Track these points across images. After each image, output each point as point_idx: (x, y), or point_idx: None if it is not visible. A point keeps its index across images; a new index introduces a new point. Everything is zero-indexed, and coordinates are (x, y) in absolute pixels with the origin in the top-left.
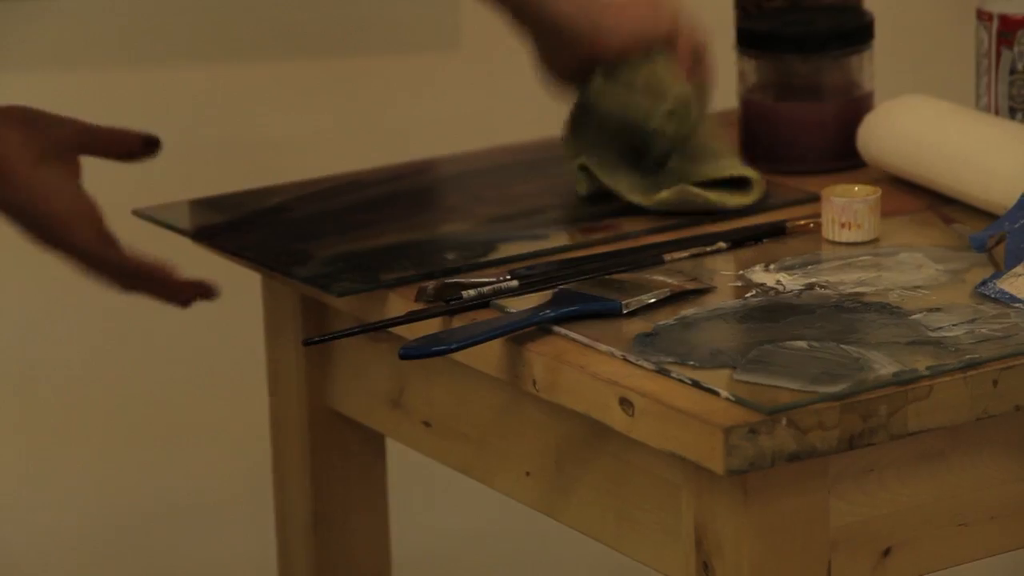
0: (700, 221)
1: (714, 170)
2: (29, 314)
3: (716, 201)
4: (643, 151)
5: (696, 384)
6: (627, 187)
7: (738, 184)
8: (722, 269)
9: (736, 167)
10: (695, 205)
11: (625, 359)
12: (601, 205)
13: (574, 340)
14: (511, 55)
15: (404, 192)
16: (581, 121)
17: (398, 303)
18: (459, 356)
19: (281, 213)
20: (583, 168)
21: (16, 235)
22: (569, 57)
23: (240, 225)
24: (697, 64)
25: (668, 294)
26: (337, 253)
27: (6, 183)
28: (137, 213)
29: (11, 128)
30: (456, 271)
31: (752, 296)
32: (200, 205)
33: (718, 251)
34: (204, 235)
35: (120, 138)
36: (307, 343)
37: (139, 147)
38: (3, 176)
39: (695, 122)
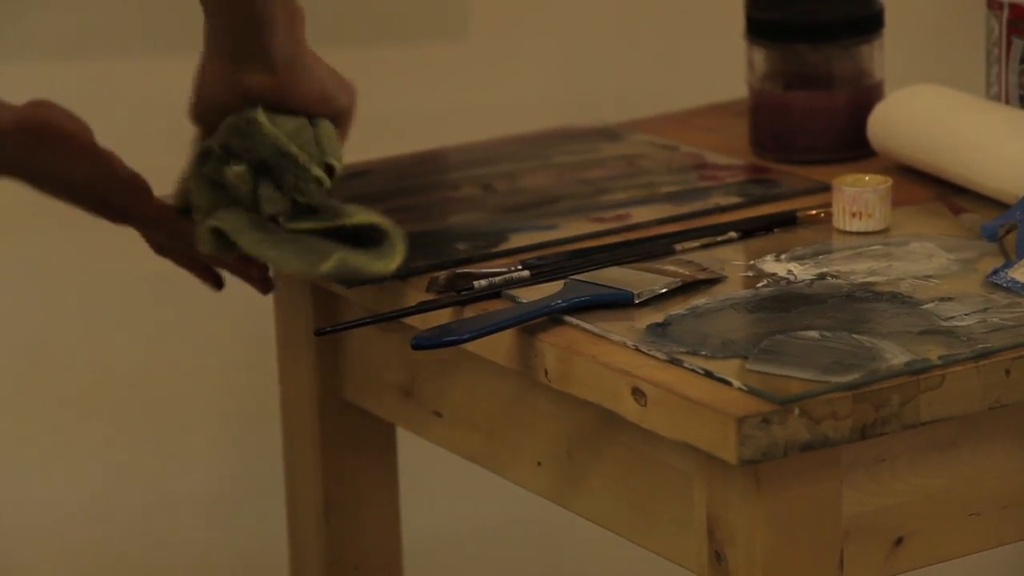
0: (711, 212)
1: (350, 215)
2: (37, 303)
3: (377, 268)
4: (274, 197)
5: (708, 374)
6: (281, 257)
7: (376, 240)
8: (733, 259)
9: (369, 215)
10: (358, 274)
11: (637, 349)
12: (615, 194)
13: (586, 330)
14: (520, 45)
15: (414, 182)
16: (205, 168)
17: (410, 293)
18: (471, 346)
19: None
20: (214, 231)
21: (23, 221)
22: (249, 85)
23: None
24: None
25: (680, 284)
26: None
27: (77, 151)
28: None
29: (55, 108)
30: (467, 261)
31: (763, 286)
32: None
33: (729, 241)
34: None
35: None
36: (319, 333)
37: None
38: (75, 145)
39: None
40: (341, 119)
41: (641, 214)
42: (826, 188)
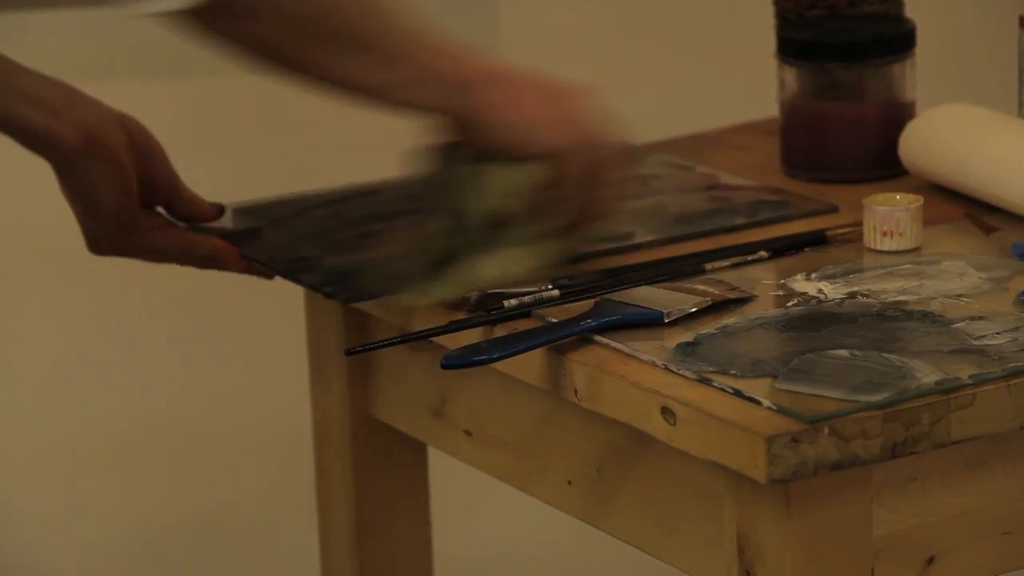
0: (739, 228)
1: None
2: (74, 328)
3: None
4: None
5: (738, 393)
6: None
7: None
8: (763, 278)
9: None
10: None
11: (667, 368)
12: (622, 214)
13: (615, 349)
14: (550, 63)
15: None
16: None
17: (440, 313)
18: (501, 365)
19: (318, 221)
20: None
21: (63, 254)
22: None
23: (277, 234)
24: (591, 188)
25: (709, 303)
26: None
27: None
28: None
29: (126, 134)
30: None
31: (794, 305)
32: (233, 213)
33: (759, 260)
34: (240, 243)
35: (197, 203)
36: (349, 353)
37: (212, 214)
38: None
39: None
40: (571, 159)
41: (643, 235)
42: (835, 210)
